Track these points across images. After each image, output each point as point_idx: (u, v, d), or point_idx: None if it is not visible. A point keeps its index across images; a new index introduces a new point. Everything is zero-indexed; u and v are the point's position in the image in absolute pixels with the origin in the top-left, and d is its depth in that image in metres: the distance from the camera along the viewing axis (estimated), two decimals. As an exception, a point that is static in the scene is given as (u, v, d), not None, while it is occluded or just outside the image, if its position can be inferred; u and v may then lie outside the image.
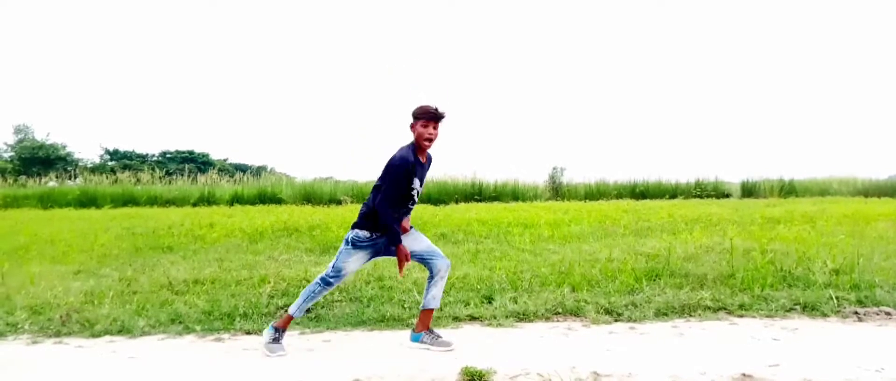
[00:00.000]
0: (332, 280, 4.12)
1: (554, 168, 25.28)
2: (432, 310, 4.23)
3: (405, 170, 3.94)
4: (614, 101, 55.01)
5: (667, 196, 23.12)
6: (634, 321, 4.76)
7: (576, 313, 4.95)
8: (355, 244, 4.07)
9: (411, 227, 4.27)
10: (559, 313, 4.96)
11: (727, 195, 24.05)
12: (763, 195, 23.44)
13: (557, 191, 24.33)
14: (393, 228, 3.97)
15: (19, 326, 4.62)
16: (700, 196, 23.23)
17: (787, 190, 23.95)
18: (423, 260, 4.22)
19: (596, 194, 23.67)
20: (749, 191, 24.42)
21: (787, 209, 14.34)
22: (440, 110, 4.00)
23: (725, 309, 5.04)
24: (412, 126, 4.04)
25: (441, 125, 4.06)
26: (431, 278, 4.22)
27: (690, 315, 4.91)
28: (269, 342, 4.04)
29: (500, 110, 56.89)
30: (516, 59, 57.49)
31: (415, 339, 4.19)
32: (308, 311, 4.41)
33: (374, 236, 4.06)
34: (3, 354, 4.02)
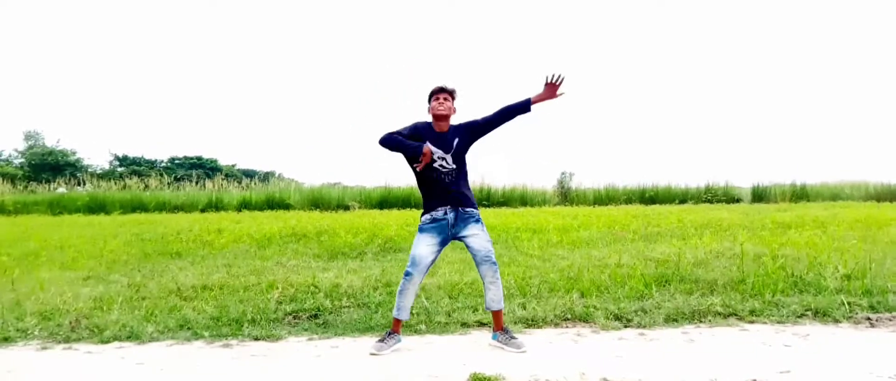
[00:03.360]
0: (410, 270, 4.19)
1: (563, 173, 25.32)
2: (497, 311, 4.29)
3: (419, 125, 4.29)
4: (623, 105, 54.89)
5: (676, 201, 23.06)
6: (644, 326, 4.73)
7: (585, 319, 4.92)
8: (421, 228, 4.26)
9: (478, 222, 4.33)
10: (568, 319, 4.93)
11: (737, 200, 23.96)
12: (774, 200, 23.35)
13: (566, 196, 24.30)
14: (394, 139, 4.17)
15: (29, 331, 4.63)
16: (710, 201, 23.15)
17: (799, 195, 23.85)
18: (475, 262, 4.32)
19: (605, 198, 23.65)
20: (759, 196, 24.33)
21: (798, 214, 14.26)
22: (445, 86, 4.32)
23: (736, 315, 4.99)
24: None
25: (453, 100, 4.35)
26: (484, 282, 4.33)
27: (701, 321, 4.87)
28: (377, 341, 4.17)
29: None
30: (523, 62, 57.48)
31: (494, 337, 4.28)
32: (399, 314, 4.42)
33: (434, 216, 4.22)
34: (13, 359, 4.02)
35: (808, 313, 5.00)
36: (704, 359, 3.92)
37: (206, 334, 4.57)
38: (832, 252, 7.35)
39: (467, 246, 4.30)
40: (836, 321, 4.83)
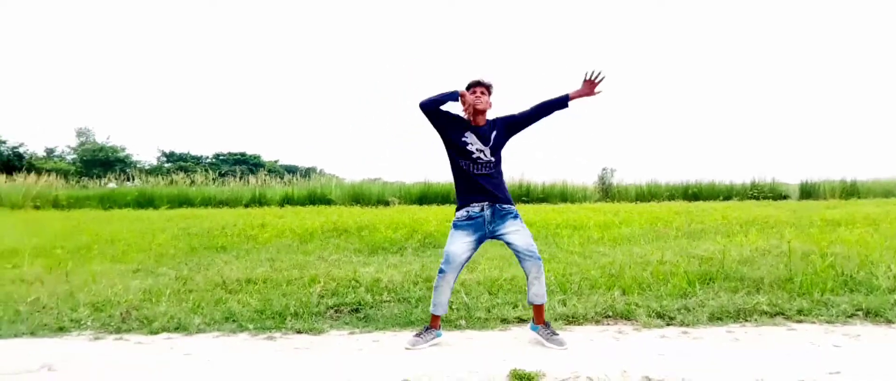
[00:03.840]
0: (444, 268, 4.21)
1: (604, 169, 25.01)
2: (540, 305, 4.28)
3: (451, 116, 4.28)
4: (667, 99, 53.97)
5: (721, 198, 22.58)
6: (687, 325, 4.65)
7: (626, 316, 4.87)
8: (455, 225, 4.24)
9: (516, 217, 4.30)
10: (609, 317, 4.89)
11: (785, 197, 23.33)
12: (823, 197, 22.68)
13: (607, 192, 24.01)
14: (431, 98, 4.18)
15: (83, 322, 4.78)
16: (756, 198, 22.59)
17: (849, 191, 23.13)
18: (518, 259, 4.27)
19: (647, 195, 23.29)
20: (808, 192, 23.66)
21: (848, 211, 13.83)
22: (482, 79, 4.31)
23: (783, 314, 4.87)
24: None
25: (489, 95, 4.34)
26: (527, 278, 4.29)
27: (746, 320, 4.77)
28: (415, 335, 4.22)
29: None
30: (564, 57, 56.95)
31: (533, 329, 4.29)
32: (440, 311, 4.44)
33: (469, 213, 4.20)
34: (68, 348, 4.17)
35: (859, 313, 4.86)
36: (750, 359, 3.84)
37: (251, 326, 4.67)
38: (884, 251, 7.12)
39: (508, 244, 4.24)
40: (889, 321, 4.68)
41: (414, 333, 4.30)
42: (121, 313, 4.92)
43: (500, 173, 4.35)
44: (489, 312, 4.96)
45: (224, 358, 3.97)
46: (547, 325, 4.27)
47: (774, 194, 23.33)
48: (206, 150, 51.00)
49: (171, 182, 25.57)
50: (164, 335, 4.52)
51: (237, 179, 27.62)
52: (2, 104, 58.74)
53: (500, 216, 4.24)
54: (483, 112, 4.30)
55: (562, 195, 22.67)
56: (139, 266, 7.19)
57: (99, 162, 39.54)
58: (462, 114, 4.34)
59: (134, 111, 67.17)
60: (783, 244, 7.49)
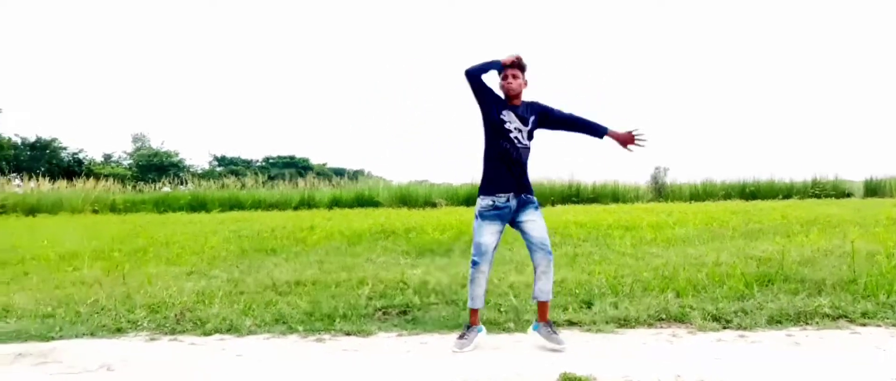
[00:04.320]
0: (476, 259, 4.20)
1: (656, 168, 24.49)
2: (544, 302, 4.23)
3: (493, 93, 4.25)
4: (722, 95, 52.69)
5: (780, 196, 21.89)
6: (745, 328, 4.50)
7: (681, 319, 4.74)
8: (482, 215, 4.20)
9: (537, 208, 4.27)
10: (663, 320, 4.76)
11: (848, 195, 22.49)
12: (889, 194, 21.79)
13: (660, 192, 23.53)
14: (482, 63, 4.17)
15: (139, 323, 4.89)
16: (817, 196, 21.83)
17: (918, 188, 22.16)
18: (529, 249, 4.24)
19: (702, 194, 22.75)
20: (873, 190, 22.76)
21: (916, 209, 13.25)
22: (512, 58, 4.22)
23: (846, 317, 4.67)
24: None
25: (524, 75, 4.28)
26: (535, 271, 4.24)
27: (807, 323, 4.58)
28: (458, 338, 4.19)
29: (598, 107, 55.79)
30: (615, 52, 56.21)
31: (534, 328, 4.23)
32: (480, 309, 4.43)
33: (495, 204, 4.16)
34: (125, 349, 4.26)
35: (930, 316, 4.63)
36: (811, 363, 3.69)
37: (300, 328, 4.70)
38: (957, 250, 6.77)
39: (523, 232, 4.22)
40: (961, 324, 4.44)
41: (458, 335, 4.26)
42: (175, 315, 5.02)
43: (528, 161, 4.32)
44: (538, 314, 4.88)
45: (274, 360, 4.00)
46: (548, 323, 4.21)
47: (837, 191, 22.51)
48: (256, 153, 52.19)
49: (223, 186, 26.17)
50: (217, 336, 4.59)
51: (286, 182, 28.12)
52: (63, 113, 61.18)
53: (523, 206, 4.23)
54: (518, 95, 4.27)
55: (613, 195, 22.31)
56: (192, 269, 7.34)
57: (154, 167, 40.77)
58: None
59: (187, 117, 69.22)
60: (846, 244, 7.20)
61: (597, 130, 4.36)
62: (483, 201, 4.21)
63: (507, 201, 4.18)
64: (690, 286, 5.56)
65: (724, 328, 4.54)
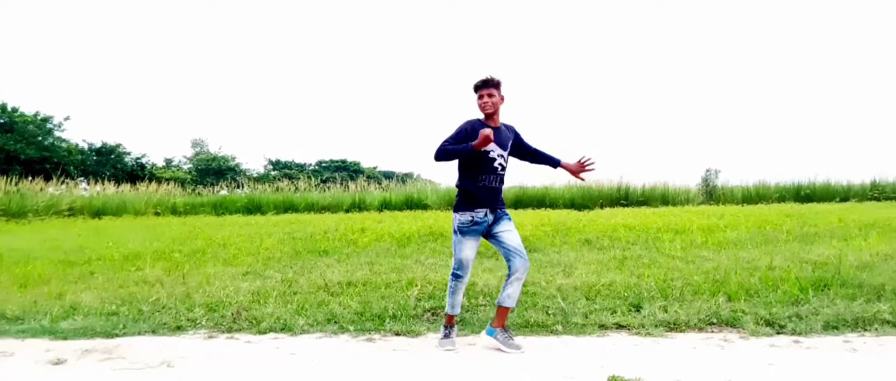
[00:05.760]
0: (459, 273, 4.33)
1: (707, 170, 23.86)
2: (507, 308, 4.29)
3: (468, 125, 4.26)
4: (776, 95, 50.97)
5: (837, 199, 21.06)
6: (799, 334, 4.41)
7: (732, 323, 4.67)
8: (462, 231, 4.29)
9: (510, 219, 4.40)
10: (713, 324, 4.70)
11: (910, 197, 21.49)
12: (954, 197, 20.74)
13: (711, 194, 22.93)
14: (446, 150, 4.15)
15: (198, 321, 5.08)
16: (877, 198, 20.93)
17: (982, 189, 21.05)
18: (506, 257, 4.31)
19: (754, 197, 22.04)
20: (935, 192, 21.69)
21: (985, 213, 12.62)
22: (480, 79, 4.28)
23: (907, 324, 4.52)
24: None
25: (499, 91, 4.31)
26: (509, 276, 4.29)
27: (865, 329, 4.46)
28: (442, 338, 4.38)
29: (649, 109, 54.85)
30: (667, 54, 55.17)
31: (489, 333, 4.29)
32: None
33: (474, 219, 4.25)
34: (184, 346, 4.44)
35: None
36: (869, 370, 3.61)
37: (352, 328, 4.81)
38: None
39: (499, 242, 4.31)
40: None
41: (442, 336, 4.38)
42: (232, 314, 5.19)
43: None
44: (586, 318, 4.89)
45: (327, 358, 4.12)
46: (505, 329, 4.26)
47: (898, 194, 21.55)
48: (309, 157, 52.85)
49: (277, 189, 26.67)
50: (271, 334, 4.74)
51: (338, 185, 28.49)
52: (127, 119, 63.48)
53: (498, 218, 4.35)
54: (496, 112, 4.34)
55: (663, 198, 21.83)
56: (248, 269, 7.54)
57: (212, 171, 41.82)
58: (476, 117, 4.38)
59: (243, 123, 70.92)
60: (908, 249, 6.94)
61: (553, 162, 4.64)
62: (462, 217, 4.28)
63: (485, 215, 4.28)
64: (742, 290, 5.46)
65: (778, 333, 4.46)
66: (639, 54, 58.19)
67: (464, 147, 4.15)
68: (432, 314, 5.16)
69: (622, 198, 21.43)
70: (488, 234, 4.36)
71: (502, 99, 4.36)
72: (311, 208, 22.19)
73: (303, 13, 66.92)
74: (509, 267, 4.31)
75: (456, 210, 4.35)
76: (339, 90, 72.49)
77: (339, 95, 71.87)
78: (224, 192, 27.38)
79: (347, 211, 21.42)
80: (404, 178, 36.21)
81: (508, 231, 4.33)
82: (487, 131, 4.05)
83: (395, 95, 71.88)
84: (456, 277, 4.34)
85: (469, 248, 4.29)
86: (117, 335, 4.74)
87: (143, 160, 39.66)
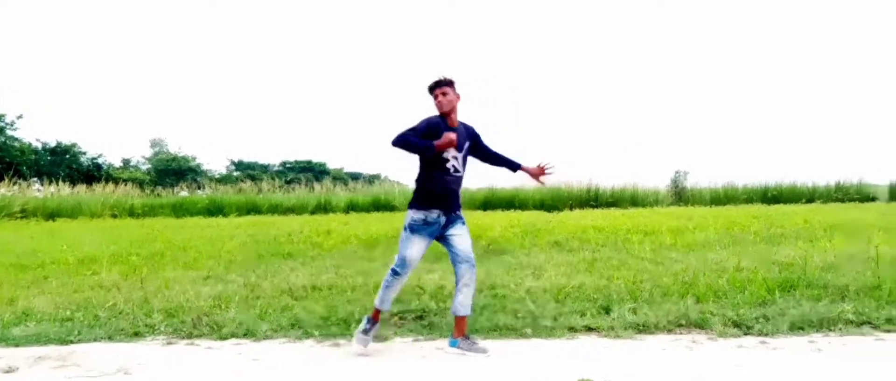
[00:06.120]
0: (398, 270, 4.24)
1: (676, 172, 24.24)
2: (463, 317, 4.23)
3: (432, 121, 4.19)
4: (743, 98, 52.10)
5: (803, 200, 21.60)
6: (766, 334, 4.44)
7: (701, 325, 4.68)
8: (412, 229, 4.21)
9: (463, 223, 4.33)
10: (682, 326, 4.70)
11: (872, 199, 22.14)
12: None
13: (680, 196, 23.29)
14: (407, 139, 4.09)
15: (156, 327, 4.91)
16: (841, 200, 21.50)
17: (944, 192, 21.79)
18: (453, 261, 4.28)
19: (723, 198, 22.48)
20: (898, 194, 22.40)
21: (941, 214, 13.02)
22: (433, 80, 4.24)
23: (870, 324, 4.60)
24: None
25: (454, 89, 4.27)
26: (457, 283, 4.24)
27: (830, 330, 4.52)
28: (360, 333, 4.23)
29: (619, 111, 55.57)
30: (637, 57, 55.95)
31: (452, 344, 4.22)
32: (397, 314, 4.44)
33: (427, 219, 4.18)
34: (142, 353, 4.28)
35: (956, 322, 4.54)
36: (834, 370, 3.65)
37: (317, 333, 4.69)
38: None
39: (450, 245, 4.26)
40: None
41: (360, 330, 4.25)
42: (192, 319, 5.03)
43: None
44: (556, 320, 4.84)
45: (291, 364, 4.00)
46: (466, 337, 4.22)
47: (861, 195, 22.18)
48: (273, 158, 52.39)
49: (240, 190, 26.31)
50: (233, 340, 4.60)
51: (303, 186, 28.21)
52: (83, 118, 61.96)
53: (452, 221, 4.28)
54: (453, 110, 4.29)
55: (632, 199, 22.10)
56: (209, 273, 7.37)
57: (172, 171, 41.09)
58: (432, 114, 4.30)
59: (204, 122, 69.84)
60: (870, 249, 7.07)
61: (512, 166, 4.62)
62: (415, 215, 4.21)
63: (439, 216, 4.21)
64: (711, 292, 5.49)
65: (745, 334, 4.49)
66: (609, 57, 58.99)
67: (425, 144, 4.08)
68: (400, 318, 5.07)
69: (592, 199, 21.63)
70: (440, 236, 4.28)
71: (458, 97, 4.30)
72: (276, 209, 21.93)
73: (268, 12, 66.20)
74: (456, 273, 4.26)
75: (410, 207, 4.28)
76: (304, 89, 71.93)
77: (305, 95, 71.36)
78: (184, 193, 26.90)
79: (313, 213, 21.21)
80: (371, 179, 36.07)
81: (460, 235, 4.27)
82: (453, 136, 4.03)
83: (363, 94, 71.66)
84: (395, 273, 4.24)
85: (416, 247, 4.21)
86: (72, 342, 4.56)
87: (100, 160, 38.78)
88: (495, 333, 4.66)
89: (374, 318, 4.31)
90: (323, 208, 22.26)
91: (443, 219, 4.23)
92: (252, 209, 21.74)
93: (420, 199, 4.23)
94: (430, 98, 4.29)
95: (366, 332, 4.22)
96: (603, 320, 4.82)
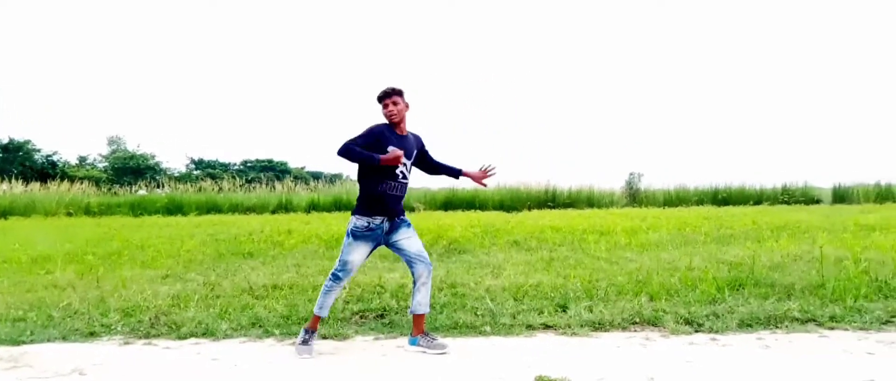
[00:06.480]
0: (340, 274, 4.24)
1: (631, 174, 24.75)
2: (422, 315, 4.29)
3: (376, 130, 4.19)
4: (695, 102, 53.33)
5: (751, 202, 22.20)
6: (716, 332, 4.58)
7: (654, 322, 4.81)
8: (355, 235, 4.21)
9: (409, 226, 4.35)
10: (636, 323, 4.83)
11: (817, 201, 22.87)
12: (857, 201, 22.23)
13: (634, 197, 23.76)
14: (352, 150, 4.08)
15: (113, 327, 4.85)
16: (787, 202, 22.17)
17: (884, 195, 22.66)
18: (408, 263, 4.31)
19: (675, 200, 23.01)
20: (841, 197, 23.21)
21: (883, 216, 13.55)
22: (382, 90, 4.25)
23: (815, 321, 4.78)
24: None
25: (403, 98, 4.29)
26: (414, 283, 4.29)
27: (777, 327, 4.68)
28: (300, 344, 4.18)
29: (574, 114, 56.22)
30: (591, 60, 56.70)
31: (412, 343, 4.28)
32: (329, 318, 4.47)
33: (370, 225, 4.19)
34: (98, 353, 4.23)
35: (894, 319, 4.75)
36: (781, 366, 3.78)
37: (277, 332, 4.70)
38: (921, 256, 6.93)
39: (400, 249, 4.28)
40: (926, 328, 4.56)
41: (300, 340, 4.19)
42: (150, 319, 4.99)
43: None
44: (514, 318, 4.93)
45: (251, 363, 4.00)
46: (426, 334, 4.29)
47: (806, 198, 22.90)
48: (234, 157, 51.63)
49: (200, 189, 25.92)
50: (192, 340, 4.57)
51: (264, 185, 27.92)
52: (36, 114, 60.18)
53: (395, 226, 4.28)
54: (403, 120, 4.32)
55: (588, 200, 22.48)
56: (168, 272, 7.28)
57: (130, 170, 40.22)
58: (380, 121, 4.30)
59: (163, 119, 68.41)
60: (815, 250, 7.34)
61: (453, 173, 4.68)
62: (358, 222, 4.20)
63: (382, 223, 4.22)
64: (663, 290, 5.64)
65: (696, 331, 4.62)
66: (563, 60, 59.60)
67: (370, 156, 4.06)
68: (361, 317, 5.10)
69: (549, 200, 21.92)
70: (387, 242, 4.28)
71: (407, 106, 4.32)
72: (236, 208, 21.68)
73: (226, 8, 65.24)
74: (413, 274, 4.29)
75: (354, 213, 4.26)
76: (266, 88, 71.03)
77: (267, 93, 70.44)
78: (143, 191, 26.39)
79: (274, 212, 21.04)
80: (333, 178, 35.85)
81: (408, 238, 4.29)
82: (399, 153, 4.05)
83: (325, 93, 71.05)
84: (335, 278, 4.24)
85: (358, 253, 4.22)
86: (24, 342, 4.48)
87: (55, 158, 37.77)
88: (455, 330, 4.72)
89: (313, 327, 4.26)
90: (284, 207, 22.08)
91: (386, 225, 4.22)
92: (212, 209, 21.46)
93: (364, 205, 4.21)
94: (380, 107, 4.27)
95: (306, 342, 4.18)
96: (560, 317, 4.92)
